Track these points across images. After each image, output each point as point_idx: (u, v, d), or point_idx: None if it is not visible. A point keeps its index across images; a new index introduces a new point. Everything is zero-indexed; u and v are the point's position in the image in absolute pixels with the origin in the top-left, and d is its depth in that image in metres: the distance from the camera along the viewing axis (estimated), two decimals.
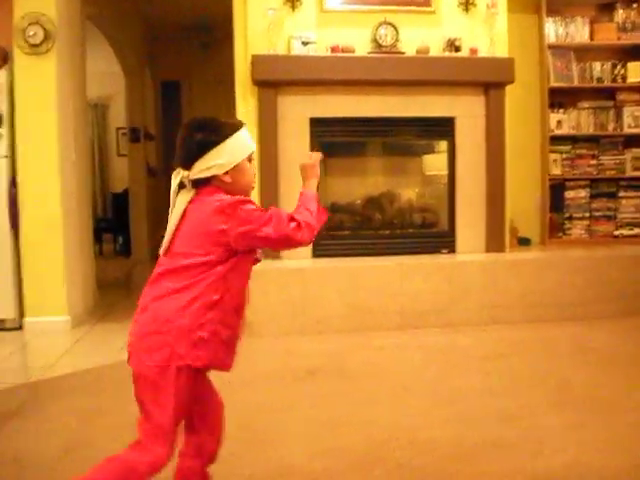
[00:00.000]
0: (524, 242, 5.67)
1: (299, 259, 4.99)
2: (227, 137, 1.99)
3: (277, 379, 3.71)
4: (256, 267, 5.04)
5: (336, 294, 4.73)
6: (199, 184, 2.01)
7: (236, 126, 2.04)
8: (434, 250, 5.21)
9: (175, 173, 2.02)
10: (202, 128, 2.01)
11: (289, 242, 2.00)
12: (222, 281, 1.94)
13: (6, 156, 4.97)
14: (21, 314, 5.05)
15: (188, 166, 1.99)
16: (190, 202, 1.99)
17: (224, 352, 2.00)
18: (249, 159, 2.06)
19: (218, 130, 2.01)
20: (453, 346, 4.35)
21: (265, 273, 4.67)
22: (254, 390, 3.52)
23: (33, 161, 4.97)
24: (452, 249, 5.24)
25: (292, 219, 1.97)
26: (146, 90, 9.22)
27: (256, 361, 4.09)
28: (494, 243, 5.20)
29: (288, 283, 4.67)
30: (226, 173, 2.00)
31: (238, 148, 2.02)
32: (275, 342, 4.53)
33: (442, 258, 5.09)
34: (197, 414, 2.13)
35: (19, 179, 4.99)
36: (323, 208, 2.10)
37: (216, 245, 1.94)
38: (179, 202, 2.01)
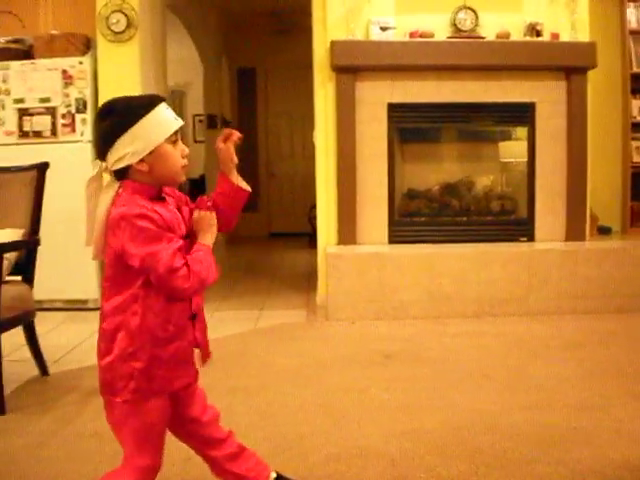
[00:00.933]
0: (604, 231, 5.55)
1: (375, 244, 5.01)
2: (136, 120, 1.71)
3: (354, 362, 3.73)
4: (332, 250, 5.01)
5: (413, 280, 4.72)
6: (120, 177, 1.76)
7: (149, 104, 1.75)
8: (512, 238, 5.14)
9: (94, 164, 1.81)
10: (108, 113, 1.74)
11: (170, 289, 1.72)
12: (139, 302, 1.72)
13: (90, 141, 5.12)
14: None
15: (102, 157, 1.76)
16: (113, 202, 1.74)
17: (176, 369, 1.81)
18: (172, 140, 1.77)
19: (125, 114, 1.72)
20: (531, 335, 4.30)
21: (342, 258, 4.70)
22: (331, 372, 3.56)
23: None
24: (531, 237, 5.15)
25: (184, 266, 1.71)
26: (223, 77, 9.35)
27: (333, 344, 4.14)
28: (574, 231, 5.09)
29: (365, 268, 4.68)
30: (142, 161, 1.73)
31: (152, 131, 1.73)
32: (351, 326, 4.56)
33: (520, 246, 5.01)
34: (182, 435, 1.99)
35: None
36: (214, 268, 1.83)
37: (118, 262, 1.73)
38: (102, 201, 1.76)
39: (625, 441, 2.60)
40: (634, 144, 5.61)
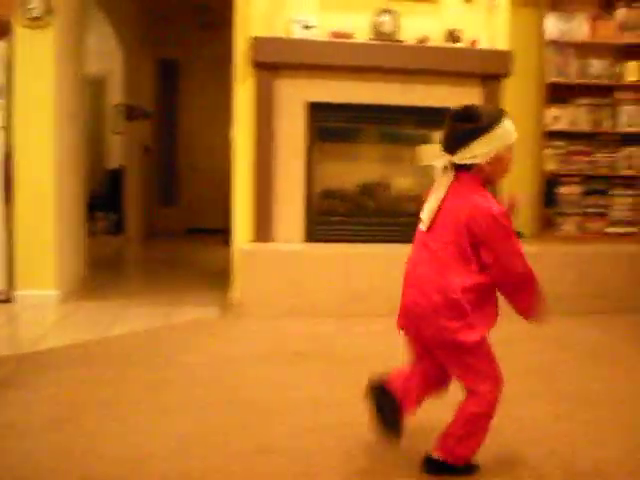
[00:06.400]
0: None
1: (291, 242, 5.01)
2: (493, 127, 2.13)
3: (265, 360, 3.73)
4: (247, 247, 4.99)
5: (328, 279, 4.74)
6: (459, 168, 2.19)
7: (501, 116, 2.18)
8: None
9: (440, 155, 2.22)
10: (470, 117, 2.15)
11: (510, 277, 2.23)
12: None
13: (3, 127, 4.96)
14: (12, 287, 5.06)
15: (453, 152, 2.17)
16: (450, 185, 2.20)
17: None
18: (510, 147, 2.19)
19: (485, 120, 2.14)
20: None
21: (256, 255, 4.69)
22: (242, 369, 3.54)
23: (29, 133, 4.97)
24: None
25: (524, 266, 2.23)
26: (144, 68, 9.20)
27: (244, 342, 4.12)
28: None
29: (281, 266, 4.68)
30: (487, 162, 2.16)
31: (501, 138, 2.15)
32: (266, 324, 4.54)
33: None
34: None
35: (15, 151, 4.98)
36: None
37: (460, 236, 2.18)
38: (442, 184, 2.21)
39: (524, 444, 2.67)
40: (547, 152, 5.76)
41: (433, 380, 2.39)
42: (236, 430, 2.73)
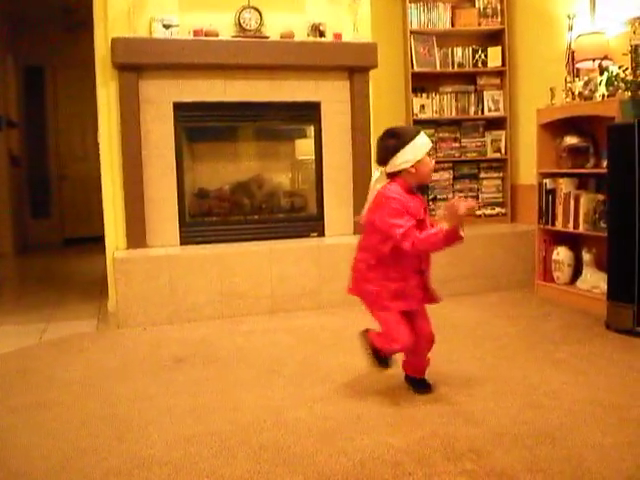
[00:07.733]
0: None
1: (166, 247, 4.91)
2: (410, 141, 2.84)
3: (143, 370, 3.63)
4: (120, 255, 4.86)
5: (206, 281, 4.66)
6: (392, 175, 2.90)
7: (416, 132, 2.90)
8: (303, 234, 5.23)
9: (374, 168, 3.06)
10: (393, 136, 2.88)
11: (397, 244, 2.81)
12: (380, 252, 2.91)
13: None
14: None
15: (384, 164, 2.90)
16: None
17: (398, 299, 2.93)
18: (428, 154, 2.88)
19: (404, 137, 2.86)
20: (323, 327, 4.39)
21: (130, 262, 4.55)
22: (118, 382, 3.43)
23: None
24: (321, 232, 5.28)
25: (406, 236, 2.76)
26: (8, 75, 8.81)
27: (122, 353, 3.99)
28: (362, 225, 5.23)
29: (155, 271, 4.55)
30: (412, 166, 2.85)
31: (419, 148, 2.86)
32: (143, 333, 4.42)
33: (311, 241, 5.11)
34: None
35: None
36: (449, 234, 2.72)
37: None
38: (374, 189, 2.92)
39: (405, 427, 2.71)
40: None
41: None
42: (114, 445, 2.64)
